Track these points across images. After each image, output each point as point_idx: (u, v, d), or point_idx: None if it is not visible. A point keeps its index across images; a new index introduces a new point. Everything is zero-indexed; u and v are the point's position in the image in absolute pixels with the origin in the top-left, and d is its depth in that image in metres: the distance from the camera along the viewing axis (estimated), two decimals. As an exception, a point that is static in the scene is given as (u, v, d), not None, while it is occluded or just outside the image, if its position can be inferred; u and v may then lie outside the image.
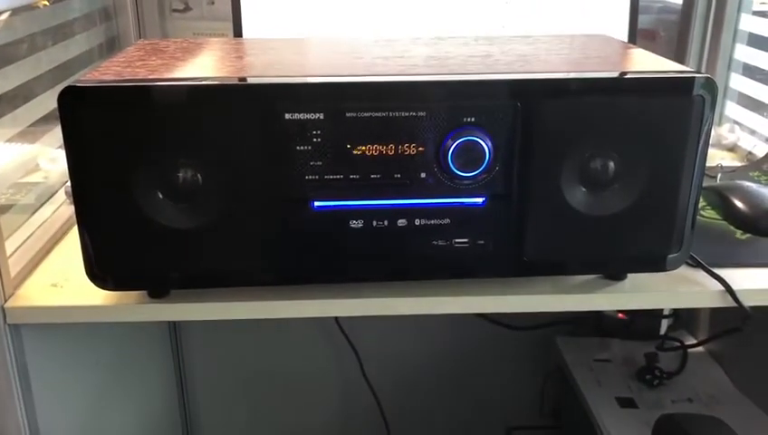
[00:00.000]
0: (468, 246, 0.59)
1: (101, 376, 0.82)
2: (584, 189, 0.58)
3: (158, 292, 0.60)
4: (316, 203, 0.56)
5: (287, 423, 1.22)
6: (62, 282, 0.63)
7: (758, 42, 1.02)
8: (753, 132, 1.02)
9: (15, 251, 0.65)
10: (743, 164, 0.93)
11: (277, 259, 0.58)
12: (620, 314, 1.09)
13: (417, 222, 0.58)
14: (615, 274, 0.64)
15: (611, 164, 0.57)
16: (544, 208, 0.58)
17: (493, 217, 0.58)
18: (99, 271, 0.57)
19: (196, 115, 0.53)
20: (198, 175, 0.54)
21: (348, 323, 1.08)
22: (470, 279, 0.63)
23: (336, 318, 1.07)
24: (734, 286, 0.62)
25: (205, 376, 1.18)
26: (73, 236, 0.71)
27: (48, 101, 0.78)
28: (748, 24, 1.03)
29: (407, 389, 1.20)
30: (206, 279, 0.59)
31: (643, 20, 0.95)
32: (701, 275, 0.64)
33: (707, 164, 0.59)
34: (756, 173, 0.87)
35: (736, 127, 1.03)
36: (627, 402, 0.98)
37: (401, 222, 0.58)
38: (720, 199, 0.74)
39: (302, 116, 0.54)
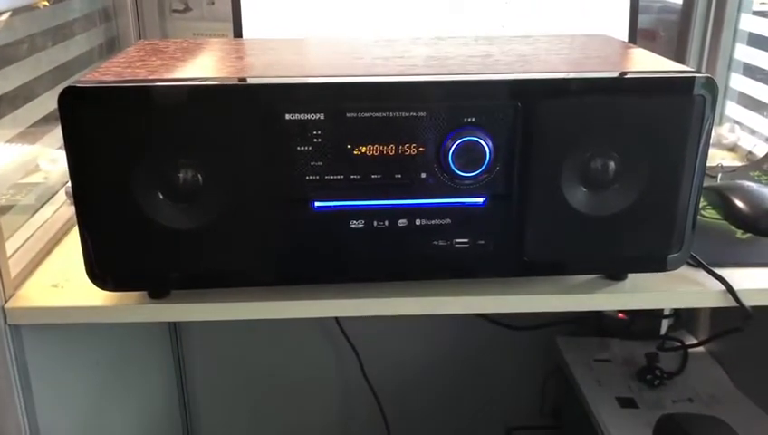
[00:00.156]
0: (469, 246, 0.59)
1: (102, 376, 0.82)
2: (585, 189, 0.58)
3: (158, 292, 0.60)
4: (317, 203, 0.56)
5: (287, 423, 1.22)
6: (63, 282, 0.63)
7: (758, 42, 1.02)
8: (753, 132, 1.02)
9: (16, 252, 0.65)
10: (743, 164, 0.93)
11: (277, 259, 0.58)
12: (621, 314, 1.09)
13: (417, 222, 0.58)
14: (615, 274, 0.63)
15: (612, 164, 0.57)
16: (545, 208, 0.58)
17: (493, 218, 0.58)
18: (99, 271, 0.57)
19: (196, 116, 0.53)
20: (199, 175, 0.54)
21: (348, 324, 1.08)
22: (470, 279, 0.62)
23: (336, 318, 1.07)
24: (735, 286, 0.62)
25: (205, 376, 1.17)
26: (74, 236, 0.71)
27: (48, 102, 0.78)
28: (748, 23, 1.03)
29: (407, 389, 1.20)
30: (206, 279, 0.59)
31: (643, 20, 0.95)
32: (702, 274, 0.64)
33: (708, 164, 0.59)
34: (756, 173, 0.87)
35: (736, 127, 1.03)
36: (627, 402, 0.98)
37: (402, 222, 0.58)
38: (720, 199, 0.74)
39: (302, 116, 0.54)
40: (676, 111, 0.56)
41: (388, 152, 0.55)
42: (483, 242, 0.59)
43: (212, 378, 1.18)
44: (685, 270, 0.63)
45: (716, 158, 0.95)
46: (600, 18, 0.87)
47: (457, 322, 1.15)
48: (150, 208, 0.55)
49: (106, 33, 0.97)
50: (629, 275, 0.63)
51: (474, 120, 0.55)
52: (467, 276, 0.62)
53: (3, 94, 0.71)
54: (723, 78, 1.06)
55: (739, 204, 0.72)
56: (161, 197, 0.55)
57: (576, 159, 0.57)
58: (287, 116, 0.54)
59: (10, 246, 0.64)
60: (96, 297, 0.59)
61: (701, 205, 0.71)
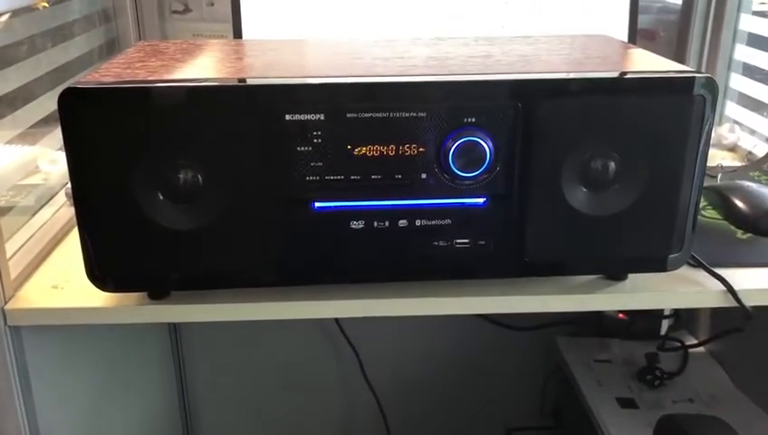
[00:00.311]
0: (469, 246, 0.59)
1: (102, 377, 0.82)
2: (585, 190, 0.58)
3: (158, 293, 0.60)
4: (317, 204, 0.56)
5: (287, 423, 1.22)
6: (63, 283, 0.63)
7: (758, 42, 1.02)
8: (753, 132, 1.02)
9: (16, 253, 0.65)
10: (743, 164, 0.93)
11: (278, 260, 0.58)
12: (621, 315, 1.09)
13: (417, 223, 0.58)
14: (616, 274, 0.63)
15: (612, 164, 0.57)
16: (545, 209, 0.58)
17: (493, 218, 0.58)
18: (99, 272, 0.57)
19: (196, 116, 0.53)
20: (199, 176, 0.54)
21: (348, 324, 1.08)
22: (471, 280, 0.62)
23: (336, 319, 1.07)
24: (735, 286, 0.62)
25: (205, 376, 1.17)
26: (74, 237, 0.71)
27: (48, 103, 0.77)
28: (748, 23, 1.03)
29: (407, 389, 1.20)
30: (206, 280, 0.59)
31: (643, 20, 0.95)
32: (702, 274, 0.64)
33: (708, 164, 0.59)
34: (757, 173, 0.87)
35: (736, 127, 1.03)
36: (627, 403, 0.98)
37: (402, 223, 0.58)
38: (721, 199, 0.74)
39: (302, 117, 0.54)
40: (677, 111, 0.56)
41: (388, 153, 0.55)
42: (483, 242, 0.59)
43: (212, 378, 1.18)
44: (685, 270, 0.63)
45: (716, 158, 0.94)
46: (600, 18, 0.87)
47: (457, 322, 1.15)
48: (150, 209, 0.55)
49: (106, 35, 0.97)
50: (630, 276, 0.63)
51: (474, 120, 0.55)
52: (468, 277, 0.62)
53: (2, 96, 0.71)
54: (723, 78, 1.06)
55: (739, 204, 0.72)
56: (161, 197, 0.55)
57: (576, 159, 0.57)
58: (287, 117, 0.54)
59: (10, 248, 0.64)
60: (96, 298, 0.59)
61: (701, 205, 0.71)
